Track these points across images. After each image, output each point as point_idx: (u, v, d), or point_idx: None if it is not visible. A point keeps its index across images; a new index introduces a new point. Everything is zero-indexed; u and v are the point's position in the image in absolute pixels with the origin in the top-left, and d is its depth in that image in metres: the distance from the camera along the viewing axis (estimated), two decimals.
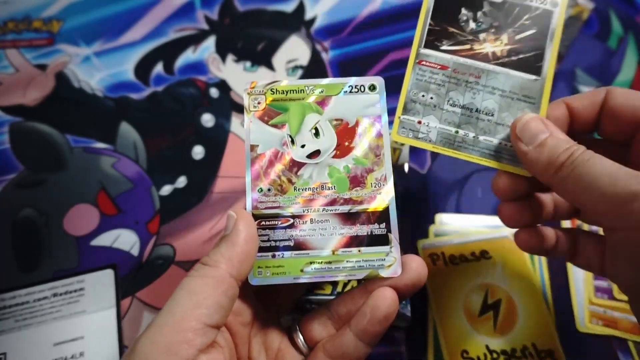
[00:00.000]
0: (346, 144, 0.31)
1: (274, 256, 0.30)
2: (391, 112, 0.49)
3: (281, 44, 0.52)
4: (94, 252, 0.43)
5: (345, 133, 0.31)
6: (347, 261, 0.29)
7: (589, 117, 0.31)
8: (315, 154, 0.31)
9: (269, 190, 0.30)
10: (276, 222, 0.30)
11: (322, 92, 0.31)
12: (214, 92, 0.50)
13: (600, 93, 0.31)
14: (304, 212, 0.30)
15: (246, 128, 0.30)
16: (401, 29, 0.53)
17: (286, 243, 0.30)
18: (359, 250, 0.30)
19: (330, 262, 0.29)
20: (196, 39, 0.53)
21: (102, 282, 0.40)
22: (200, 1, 0.54)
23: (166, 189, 0.46)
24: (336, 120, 0.31)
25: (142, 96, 0.50)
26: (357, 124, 0.31)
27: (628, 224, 0.25)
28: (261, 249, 0.30)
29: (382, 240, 0.30)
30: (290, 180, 0.30)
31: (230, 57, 0.52)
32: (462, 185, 0.46)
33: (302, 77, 0.51)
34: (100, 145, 0.47)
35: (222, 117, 0.49)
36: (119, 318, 0.39)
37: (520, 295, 0.41)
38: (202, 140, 0.48)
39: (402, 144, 0.43)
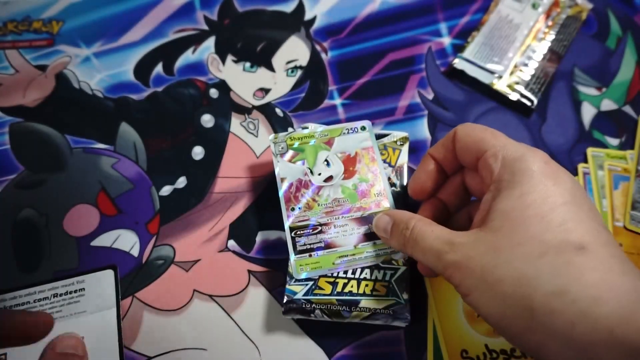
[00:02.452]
0: (350, 169, 0.41)
1: (310, 255, 0.38)
2: (390, 111, 0.49)
3: (281, 44, 0.52)
4: (94, 253, 0.43)
5: (349, 162, 0.41)
6: (367, 252, 0.38)
7: (450, 160, 0.36)
8: (329, 178, 0.40)
9: (299, 208, 0.39)
10: (309, 231, 0.39)
11: (327, 135, 0.42)
12: (213, 93, 0.50)
13: (450, 135, 0.35)
14: (328, 220, 0.39)
15: (275, 167, 0.41)
16: (401, 29, 0.53)
17: (318, 245, 0.38)
18: (375, 243, 0.38)
19: (354, 254, 0.38)
20: (196, 39, 0.53)
21: (102, 282, 0.41)
22: (200, 2, 0.55)
23: (166, 190, 0.46)
24: (341, 153, 0.41)
25: (142, 97, 0.50)
26: (356, 154, 0.41)
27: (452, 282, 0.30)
28: (300, 252, 0.38)
29: None
30: (314, 200, 0.40)
31: (229, 58, 0.52)
32: None
33: (302, 77, 0.51)
34: (100, 145, 0.47)
35: (222, 117, 0.49)
36: (119, 318, 0.39)
37: None
38: (202, 140, 0.48)
39: (402, 144, 0.43)
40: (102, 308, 0.39)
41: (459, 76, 0.51)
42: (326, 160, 0.41)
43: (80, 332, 0.38)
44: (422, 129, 0.49)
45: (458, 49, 0.52)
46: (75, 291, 0.40)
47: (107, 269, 0.41)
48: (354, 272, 0.38)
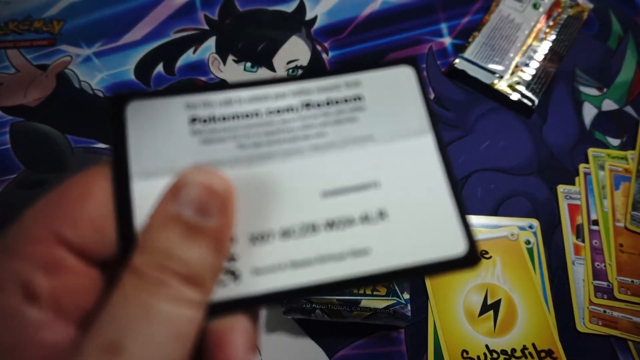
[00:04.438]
0: None
1: None
2: None
3: (281, 44, 0.52)
4: None
5: None
6: None
7: None
8: None
9: None
10: None
11: None
12: None
13: None
14: None
15: None
16: (402, 30, 0.53)
17: None
18: None
19: None
20: (197, 39, 0.53)
21: (396, 88, 0.22)
22: (201, 2, 0.55)
23: None
24: None
25: None
26: None
27: None
28: None
29: None
30: None
31: (230, 58, 0.52)
32: (462, 185, 0.46)
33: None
34: (101, 145, 0.47)
35: None
36: (444, 151, 0.21)
37: (520, 295, 0.41)
38: None
39: None
40: (406, 134, 0.21)
41: (460, 76, 0.51)
42: None
43: (370, 175, 0.20)
44: None
45: (459, 49, 0.52)
46: (346, 101, 0.21)
47: (401, 65, 0.22)
48: None
